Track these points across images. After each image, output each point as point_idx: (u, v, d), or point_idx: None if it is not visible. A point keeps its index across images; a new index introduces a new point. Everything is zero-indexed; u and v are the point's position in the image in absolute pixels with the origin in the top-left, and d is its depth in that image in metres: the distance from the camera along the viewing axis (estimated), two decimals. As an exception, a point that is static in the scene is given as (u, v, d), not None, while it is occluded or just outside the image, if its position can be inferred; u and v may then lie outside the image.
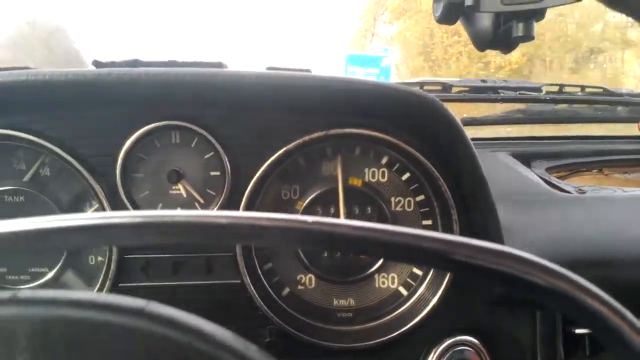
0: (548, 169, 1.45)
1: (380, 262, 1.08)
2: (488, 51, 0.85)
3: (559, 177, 1.43)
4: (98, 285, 1.02)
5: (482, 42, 0.87)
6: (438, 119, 0.97)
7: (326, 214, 1.06)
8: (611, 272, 1.02)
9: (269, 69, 1.02)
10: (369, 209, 1.07)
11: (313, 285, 1.08)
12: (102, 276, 1.01)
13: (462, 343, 1.03)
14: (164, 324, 0.39)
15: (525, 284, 0.41)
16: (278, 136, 1.01)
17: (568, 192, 1.27)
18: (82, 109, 0.98)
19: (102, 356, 0.39)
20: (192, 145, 1.02)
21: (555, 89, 1.72)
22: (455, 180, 1.02)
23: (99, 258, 1.04)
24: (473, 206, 1.02)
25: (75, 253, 1.04)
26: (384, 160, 1.07)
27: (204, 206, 1.03)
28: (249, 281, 1.01)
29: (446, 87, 1.64)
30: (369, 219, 1.07)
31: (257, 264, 1.05)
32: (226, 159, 1.00)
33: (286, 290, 1.08)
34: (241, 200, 1.01)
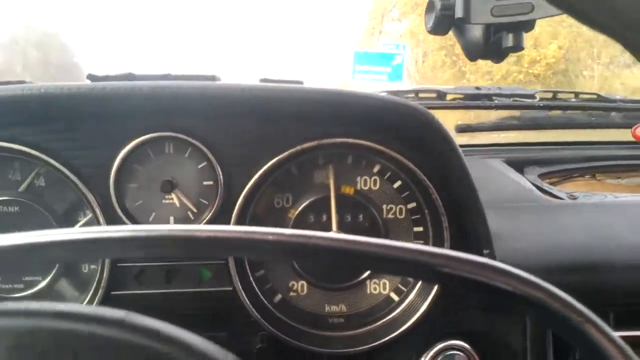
0: (541, 175, 1.46)
1: None
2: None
3: (552, 183, 1.44)
4: (91, 293, 1.03)
5: (474, 53, 0.89)
6: (429, 130, 0.99)
7: (319, 221, 1.08)
8: (602, 278, 1.03)
9: (262, 80, 1.04)
10: (361, 216, 1.09)
11: (305, 291, 1.10)
12: (95, 284, 1.03)
13: (453, 347, 1.04)
14: (144, 335, 0.40)
15: (492, 290, 0.43)
16: (270, 146, 1.02)
17: (560, 198, 1.28)
18: (77, 122, 1.00)
19: None
20: (186, 156, 1.03)
21: (549, 95, 1.73)
22: (445, 188, 1.03)
23: (92, 266, 1.06)
24: (463, 213, 1.03)
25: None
26: (376, 169, 1.09)
27: (197, 215, 1.04)
28: (241, 288, 1.03)
29: (440, 95, 1.66)
30: (361, 227, 1.08)
31: (249, 271, 1.06)
32: (219, 169, 1.02)
33: (278, 297, 1.09)
34: (234, 209, 1.02)
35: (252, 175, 1.02)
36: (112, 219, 1.02)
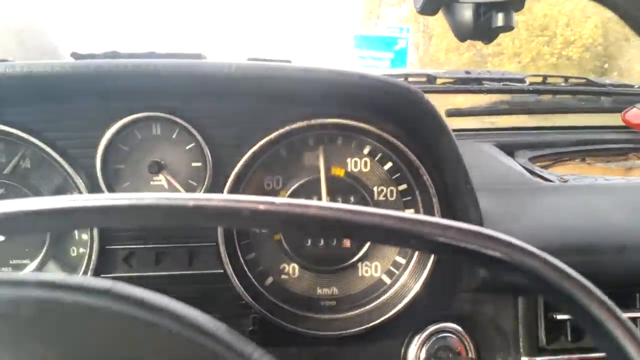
0: (531, 159, 1.46)
1: (363, 250, 1.09)
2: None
3: (542, 167, 1.44)
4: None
5: (463, 33, 0.88)
6: (419, 110, 0.98)
7: None
8: (592, 259, 1.03)
9: (249, 59, 1.02)
10: (351, 198, 1.08)
11: (297, 274, 1.09)
12: (83, 267, 1.01)
13: (445, 330, 1.04)
14: (132, 304, 0.39)
15: (484, 258, 0.42)
16: (259, 127, 1.01)
17: (550, 180, 1.28)
18: (61, 101, 0.98)
19: (71, 336, 0.40)
20: (174, 137, 1.02)
21: (539, 79, 1.73)
22: (436, 170, 1.03)
23: (81, 249, 1.04)
24: (454, 195, 1.02)
25: (56, 244, 1.04)
26: (366, 150, 1.08)
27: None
28: (232, 271, 1.02)
29: (431, 79, 1.65)
30: None
31: (240, 253, 1.05)
32: (207, 150, 1.00)
33: (269, 280, 1.08)
34: (223, 191, 1.01)
35: (241, 156, 1.00)
36: None
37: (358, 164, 1.08)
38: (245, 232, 1.06)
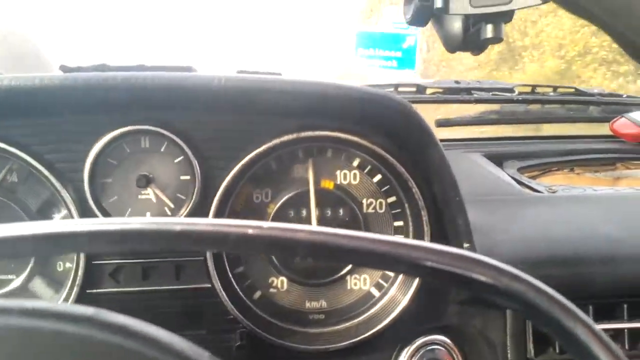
0: (520, 169, 1.47)
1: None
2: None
3: (531, 177, 1.44)
4: (66, 292, 1.01)
5: (453, 44, 0.89)
6: (407, 122, 0.98)
7: (298, 216, 1.07)
8: (581, 270, 1.03)
9: (239, 72, 1.02)
10: (341, 211, 1.08)
11: (285, 288, 1.09)
12: (69, 283, 1.00)
13: (434, 342, 1.04)
14: (114, 332, 0.39)
15: (472, 283, 0.42)
16: (248, 139, 1.00)
17: (539, 191, 1.29)
18: (49, 115, 0.97)
19: None
20: (162, 150, 1.01)
21: (528, 89, 1.74)
22: (425, 182, 1.03)
23: (67, 264, 1.03)
24: (443, 207, 1.02)
25: (43, 260, 1.03)
26: (356, 163, 1.08)
27: (174, 211, 1.02)
28: (220, 286, 1.01)
29: (420, 89, 1.66)
30: (341, 221, 1.07)
31: (228, 268, 1.04)
32: (196, 163, 1.00)
33: (258, 294, 1.08)
34: (212, 205, 1.01)
35: (230, 170, 1.00)
36: (87, 215, 0.99)
37: (347, 177, 1.08)
38: None
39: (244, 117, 1.01)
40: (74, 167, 0.98)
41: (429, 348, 1.04)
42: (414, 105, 1.00)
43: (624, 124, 1.67)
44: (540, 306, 0.43)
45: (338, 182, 1.08)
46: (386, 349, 1.05)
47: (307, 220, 1.05)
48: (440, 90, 1.67)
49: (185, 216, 1.01)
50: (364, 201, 1.09)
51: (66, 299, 1.00)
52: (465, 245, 1.00)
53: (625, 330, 1.03)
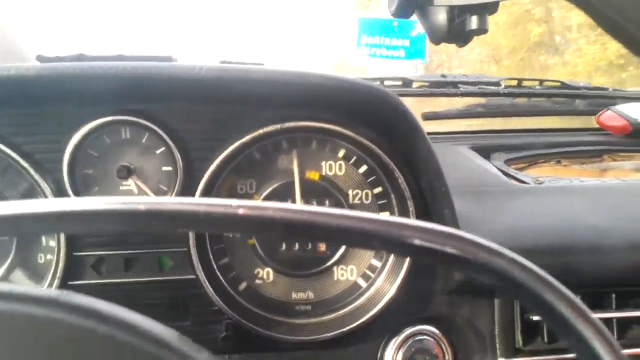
0: (507, 161, 1.46)
1: (339, 254, 1.07)
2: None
3: (518, 169, 1.44)
4: (47, 284, 0.99)
5: (437, 36, 0.88)
6: (394, 113, 0.97)
7: None
8: (568, 260, 1.03)
9: (222, 62, 1.01)
10: (326, 202, 1.07)
11: (271, 279, 1.07)
12: (50, 274, 0.99)
13: (422, 332, 1.03)
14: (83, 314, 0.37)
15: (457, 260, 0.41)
16: (231, 130, 0.99)
17: (526, 182, 1.28)
18: (27, 105, 0.96)
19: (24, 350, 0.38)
20: (143, 141, 1.00)
21: (514, 82, 1.74)
22: (411, 173, 1.02)
23: (48, 256, 1.02)
24: (430, 198, 1.02)
25: (23, 251, 1.01)
26: (341, 153, 1.07)
27: (157, 202, 1.00)
28: (204, 277, 1.00)
29: (406, 82, 1.66)
30: None
31: (212, 258, 1.03)
32: (178, 154, 0.98)
33: (243, 285, 1.06)
34: (194, 196, 0.99)
35: (213, 160, 0.99)
36: None
37: (333, 167, 1.07)
38: (218, 237, 1.05)
39: (226, 108, 1.00)
40: (53, 157, 0.97)
41: (417, 338, 1.03)
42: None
43: (610, 117, 1.68)
44: (527, 284, 0.42)
45: (323, 173, 1.07)
46: (374, 339, 1.04)
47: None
48: (427, 83, 1.67)
49: None
50: (350, 192, 1.08)
51: None
52: None
53: (614, 320, 1.02)
